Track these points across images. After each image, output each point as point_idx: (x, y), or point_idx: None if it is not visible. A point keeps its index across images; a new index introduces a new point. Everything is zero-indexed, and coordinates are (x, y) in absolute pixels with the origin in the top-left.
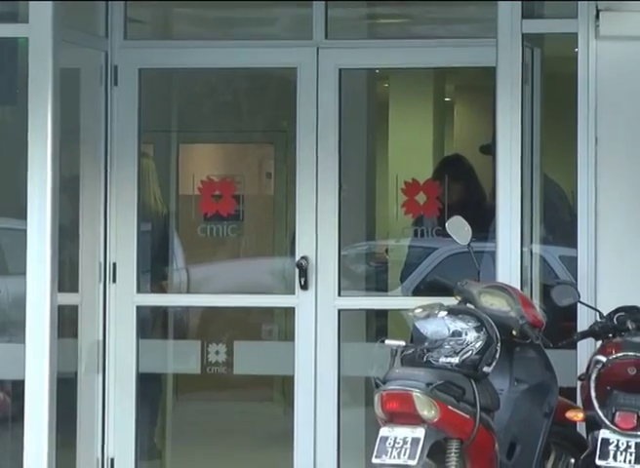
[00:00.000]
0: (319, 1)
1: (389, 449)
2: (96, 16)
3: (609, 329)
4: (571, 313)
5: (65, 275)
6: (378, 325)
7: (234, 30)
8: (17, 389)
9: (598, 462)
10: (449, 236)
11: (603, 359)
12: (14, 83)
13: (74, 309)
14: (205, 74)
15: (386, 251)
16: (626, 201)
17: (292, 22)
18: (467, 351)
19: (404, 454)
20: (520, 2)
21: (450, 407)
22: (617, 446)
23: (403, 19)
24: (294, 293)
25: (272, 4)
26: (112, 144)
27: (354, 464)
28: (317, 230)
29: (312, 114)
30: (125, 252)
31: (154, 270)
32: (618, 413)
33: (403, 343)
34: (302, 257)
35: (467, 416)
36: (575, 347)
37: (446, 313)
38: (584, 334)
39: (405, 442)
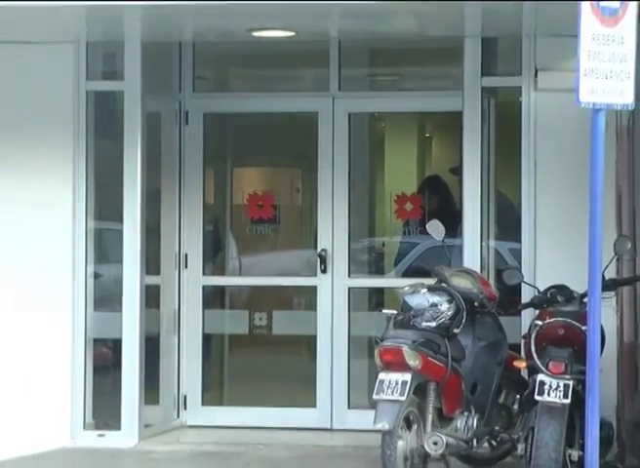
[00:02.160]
0: None
1: (385, 389)
2: (172, 74)
3: (544, 301)
4: (517, 290)
5: (151, 262)
6: (377, 298)
7: (272, 84)
8: (115, 345)
9: (536, 397)
10: (428, 234)
11: (540, 323)
12: (113, 123)
13: (157, 288)
14: (251, 116)
15: (383, 244)
16: (558, 208)
17: (314, 78)
18: (442, 317)
19: (396, 392)
20: (480, 63)
21: (429, 358)
22: (550, 386)
23: (395, 77)
24: (316, 276)
25: (299, 65)
26: (184, 168)
27: (360, 399)
28: (333, 230)
29: (329, 146)
30: (194, 246)
31: (215, 259)
32: (550, 362)
33: (395, 312)
34: (322, 250)
35: (442, 365)
36: (519, 314)
37: (426, 290)
38: (526, 305)
39: (397, 383)
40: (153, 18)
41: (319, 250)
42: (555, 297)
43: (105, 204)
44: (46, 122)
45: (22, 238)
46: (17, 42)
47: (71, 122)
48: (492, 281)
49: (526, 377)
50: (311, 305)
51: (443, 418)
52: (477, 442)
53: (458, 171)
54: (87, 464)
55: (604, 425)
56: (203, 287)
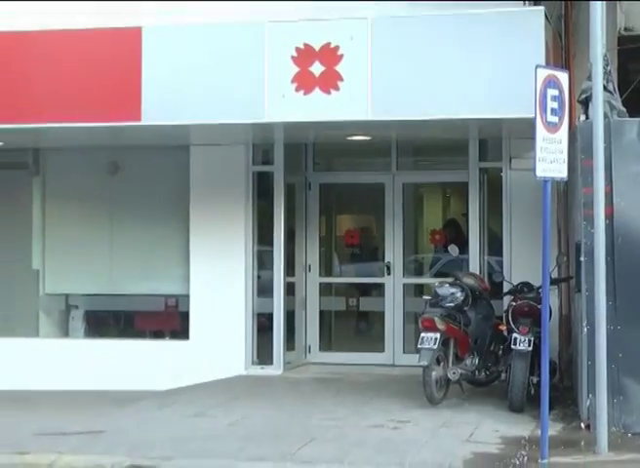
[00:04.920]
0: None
1: (425, 342)
2: (301, 160)
3: (516, 291)
4: (500, 284)
5: (289, 269)
6: (419, 290)
7: (357, 166)
8: (270, 316)
9: (512, 347)
10: (448, 252)
11: (514, 304)
12: (267, 190)
13: (293, 284)
14: (346, 185)
15: (422, 258)
16: (524, 237)
17: (382, 163)
18: (457, 301)
19: (431, 343)
20: (478, 153)
21: (450, 324)
22: (520, 340)
23: (428, 161)
24: (384, 277)
25: (373, 155)
26: (308, 215)
27: (410, 347)
28: (393, 250)
29: (391, 202)
30: (314, 259)
31: (326, 267)
32: (520, 326)
33: (430, 297)
34: (388, 262)
35: (457, 328)
36: (502, 299)
37: (448, 284)
38: (506, 293)
39: (431, 338)
40: (290, 130)
41: (386, 261)
42: (523, 289)
43: (263, 236)
44: (230, 191)
45: (221, 257)
46: (212, 144)
47: (244, 190)
48: (486, 279)
49: (506, 335)
50: (381, 294)
51: (458, 359)
52: (478, 372)
53: (466, 215)
54: (254, 384)
55: (551, 362)
56: (319, 283)
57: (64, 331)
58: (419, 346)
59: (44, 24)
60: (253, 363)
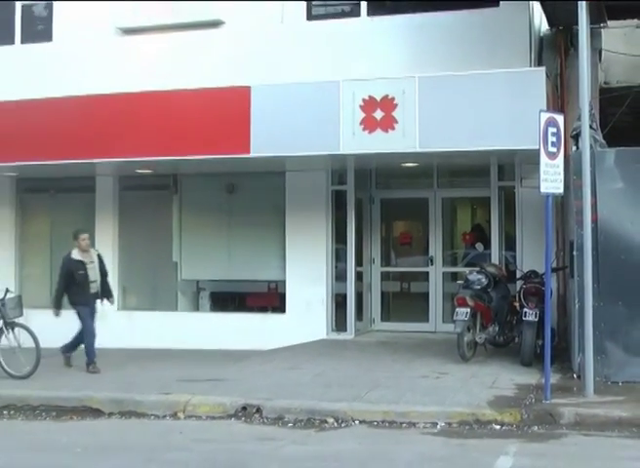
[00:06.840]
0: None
1: (458, 314)
2: (367, 181)
3: (526, 277)
4: (514, 272)
5: (358, 261)
6: (454, 276)
7: (408, 185)
8: (344, 296)
9: (523, 318)
10: (476, 248)
11: (524, 286)
12: (341, 204)
13: (361, 272)
14: (400, 199)
15: (456, 253)
16: (531, 237)
17: (426, 182)
18: (483, 284)
19: (463, 316)
20: (497, 175)
21: (478, 301)
22: (529, 313)
23: (459, 180)
24: (428, 267)
25: (419, 176)
26: (372, 223)
27: (448, 319)
28: (435, 247)
29: (433, 212)
30: (376, 253)
31: (386, 260)
32: (529, 303)
33: (462, 281)
34: (431, 255)
35: (483, 304)
36: (515, 282)
37: (476, 272)
38: (518, 279)
39: (463, 312)
40: (359, 159)
41: (429, 255)
42: (531, 275)
43: (339, 237)
44: (315, 204)
45: (308, 252)
46: (301, 170)
47: (325, 204)
48: (504, 268)
49: (518, 309)
50: (426, 279)
51: (483, 327)
52: (498, 337)
53: (488, 221)
54: (332, 346)
55: (552, 329)
56: (381, 272)
57: (195, 307)
58: (454, 318)
59: (182, 85)
60: (332, 330)
